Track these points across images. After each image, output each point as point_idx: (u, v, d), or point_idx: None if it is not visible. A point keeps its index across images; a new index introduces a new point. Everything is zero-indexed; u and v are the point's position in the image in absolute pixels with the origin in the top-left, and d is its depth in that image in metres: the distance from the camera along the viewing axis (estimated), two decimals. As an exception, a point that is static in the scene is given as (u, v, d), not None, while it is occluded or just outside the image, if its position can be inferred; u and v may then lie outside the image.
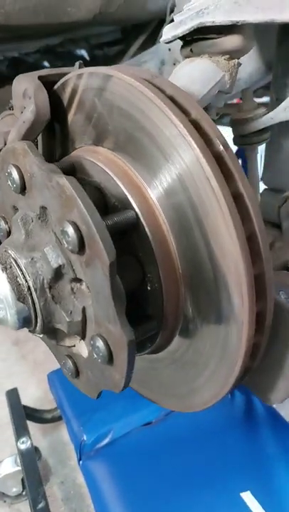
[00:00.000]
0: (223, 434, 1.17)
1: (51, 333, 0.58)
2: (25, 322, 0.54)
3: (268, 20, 0.55)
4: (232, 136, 0.80)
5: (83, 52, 2.54)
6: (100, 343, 0.49)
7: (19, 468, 1.16)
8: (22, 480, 1.18)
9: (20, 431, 1.20)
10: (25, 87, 0.60)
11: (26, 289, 0.51)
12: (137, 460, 1.13)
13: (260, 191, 0.90)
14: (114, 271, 0.44)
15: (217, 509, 0.97)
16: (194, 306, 0.53)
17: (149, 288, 0.54)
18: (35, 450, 1.19)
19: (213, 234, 0.45)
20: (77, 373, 0.61)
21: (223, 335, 0.50)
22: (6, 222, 0.65)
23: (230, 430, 1.18)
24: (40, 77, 0.60)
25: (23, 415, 1.28)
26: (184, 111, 0.46)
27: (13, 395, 1.36)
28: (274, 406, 1.24)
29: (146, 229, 0.50)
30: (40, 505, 0.97)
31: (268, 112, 0.73)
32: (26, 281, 0.51)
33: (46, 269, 0.51)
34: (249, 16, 0.55)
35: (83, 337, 0.55)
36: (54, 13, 1.41)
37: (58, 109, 0.61)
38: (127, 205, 0.51)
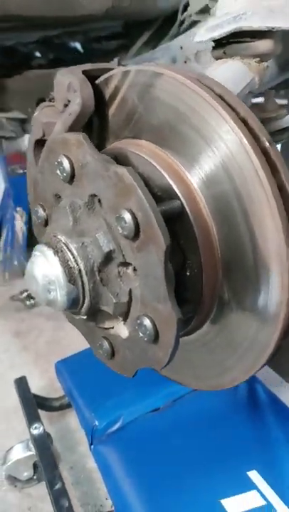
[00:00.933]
0: (228, 420, 1.22)
1: (92, 315, 0.62)
2: (73, 303, 0.57)
3: (301, 28, 0.59)
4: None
5: (77, 45, 2.55)
6: (147, 322, 0.53)
7: (30, 453, 1.19)
8: (33, 465, 1.21)
9: (32, 417, 1.23)
10: (70, 80, 0.63)
11: (77, 272, 0.55)
12: (146, 444, 1.17)
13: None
14: (168, 255, 0.48)
15: (226, 487, 1.02)
16: (231, 290, 0.57)
17: (188, 273, 0.58)
18: (48, 436, 1.22)
19: (257, 221, 0.49)
20: (112, 354, 0.65)
21: (260, 316, 0.54)
22: (44, 210, 0.68)
23: (235, 415, 1.23)
24: (83, 72, 0.63)
25: (34, 401, 1.31)
26: (232, 109, 0.50)
27: (21, 383, 1.38)
28: (275, 393, 1.30)
29: (191, 218, 0.54)
30: (57, 487, 1.01)
31: (289, 113, 0.78)
32: (77, 264, 0.55)
33: (97, 254, 0.55)
34: (283, 22, 0.60)
35: (126, 318, 0.59)
36: (67, 5, 1.43)
37: (98, 102, 0.65)
38: (172, 195, 0.55)
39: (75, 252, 0.55)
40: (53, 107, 0.69)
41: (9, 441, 1.39)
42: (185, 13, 1.34)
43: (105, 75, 0.63)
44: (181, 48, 1.36)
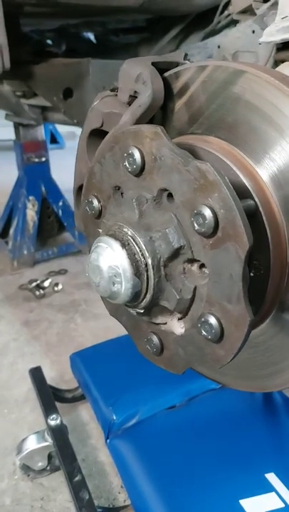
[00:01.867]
0: (244, 421, 1.23)
1: (149, 309, 0.61)
2: (135, 297, 0.57)
3: None
4: None
5: (90, 35, 2.53)
6: (213, 321, 0.53)
7: (46, 443, 1.18)
8: (48, 455, 1.21)
9: (49, 408, 1.22)
10: (139, 71, 0.62)
11: (144, 266, 0.54)
12: (162, 440, 1.18)
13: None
14: (249, 254, 0.47)
15: (244, 488, 1.02)
16: (294, 295, 0.57)
17: (252, 274, 0.57)
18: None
19: None
20: (161, 350, 0.65)
21: None
22: (100, 201, 0.67)
23: (250, 418, 1.24)
24: (152, 64, 0.62)
25: (50, 392, 1.30)
26: None
27: (37, 373, 1.38)
28: (290, 396, 1.31)
29: (264, 219, 0.54)
30: (77, 479, 1.00)
31: None
32: (144, 258, 0.54)
33: (165, 249, 0.54)
34: None
35: (185, 315, 0.58)
36: (103, -5, 1.42)
37: (165, 96, 0.64)
38: (246, 195, 0.54)
39: (142, 246, 0.54)
40: (114, 97, 0.68)
41: (21, 430, 1.39)
42: (226, 11, 1.33)
43: (176, 69, 0.62)
44: (219, 46, 1.34)
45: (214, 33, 1.50)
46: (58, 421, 1.17)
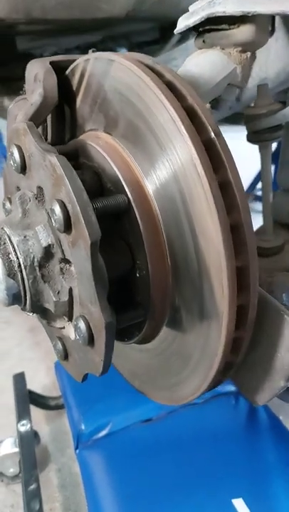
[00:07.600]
0: (223, 439, 1.14)
1: (42, 312, 0.59)
2: (15, 299, 0.55)
3: (280, 12, 0.53)
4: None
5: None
6: (81, 324, 0.49)
7: (17, 450, 1.18)
8: (19, 462, 1.21)
9: (22, 413, 1.23)
10: (37, 71, 0.61)
11: (17, 266, 0.52)
12: (132, 454, 1.13)
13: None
14: (96, 251, 0.44)
15: (206, 512, 0.95)
16: (180, 297, 0.52)
17: (138, 275, 0.54)
18: (35, 435, 1.21)
19: (199, 223, 0.44)
20: (66, 355, 0.62)
21: (206, 326, 0.49)
22: (11, 203, 0.67)
23: (231, 435, 1.15)
24: (51, 63, 0.62)
25: (27, 399, 1.31)
26: (180, 97, 0.45)
27: (19, 379, 1.39)
28: (278, 415, 1.20)
29: (137, 215, 0.50)
30: (32, 487, 0.99)
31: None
32: (17, 258, 0.52)
33: (37, 248, 0.52)
34: (261, 7, 0.54)
35: (70, 318, 0.55)
36: (88, 8, 1.45)
37: (68, 93, 0.63)
38: (121, 190, 0.51)
39: (16, 246, 0.53)
40: (25, 99, 0.68)
41: (3, 435, 1.40)
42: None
43: (72, 65, 0.61)
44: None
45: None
46: (28, 427, 1.17)
